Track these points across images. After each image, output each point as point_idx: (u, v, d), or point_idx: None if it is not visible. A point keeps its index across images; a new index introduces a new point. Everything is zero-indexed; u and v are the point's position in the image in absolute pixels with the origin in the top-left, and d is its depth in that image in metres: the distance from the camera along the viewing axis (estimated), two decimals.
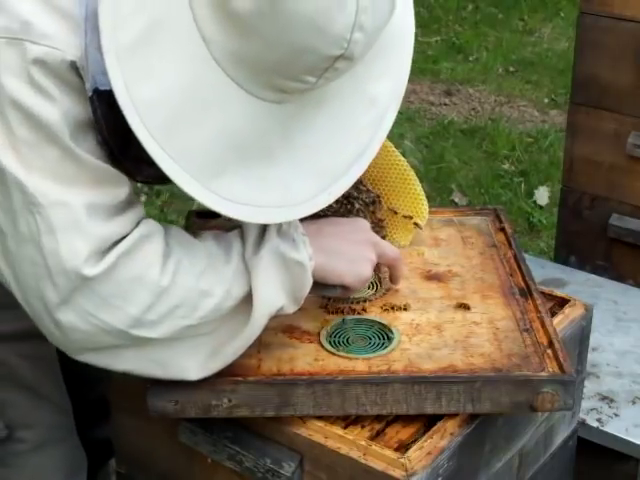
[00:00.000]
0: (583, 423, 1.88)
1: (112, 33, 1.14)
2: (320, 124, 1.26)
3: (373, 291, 1.55)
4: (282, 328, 1.45)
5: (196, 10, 1.14)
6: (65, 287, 1.21)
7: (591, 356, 1.93)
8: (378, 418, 1.35)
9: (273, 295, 1.30)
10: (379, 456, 1.27)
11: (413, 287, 1.56)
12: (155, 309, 1.24)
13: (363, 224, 1.49)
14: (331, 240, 1.40)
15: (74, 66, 1.19)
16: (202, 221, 1.66)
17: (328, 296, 1.49)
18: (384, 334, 1.45)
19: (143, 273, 1.23)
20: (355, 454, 1.29)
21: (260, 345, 1.40)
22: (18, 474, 1.60)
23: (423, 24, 5.38)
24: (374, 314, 1.50)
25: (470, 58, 5.21)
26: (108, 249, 1.22)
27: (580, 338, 1.58)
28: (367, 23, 1.13)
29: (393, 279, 1.54)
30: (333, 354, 1.40)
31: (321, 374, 1.36)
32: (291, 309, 1.35)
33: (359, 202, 1.58)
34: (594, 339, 1.80)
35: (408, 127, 4.27)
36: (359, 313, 1.50)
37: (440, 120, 4.49)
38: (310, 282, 1.34)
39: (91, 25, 1.17)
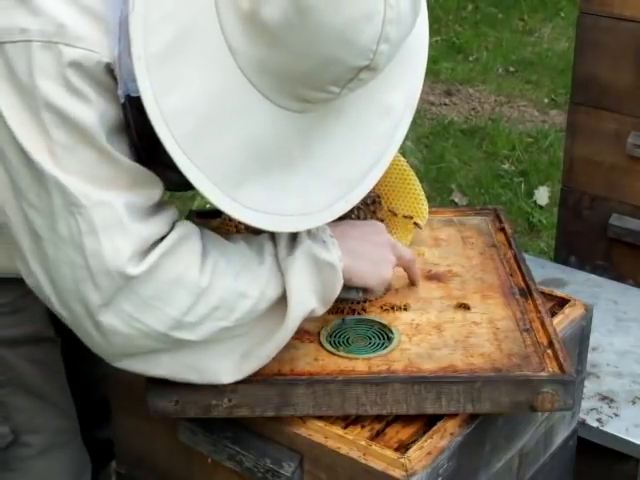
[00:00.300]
0: (583, 423, 1.88)
1: (142, 41, 1.14)
2: (338, 133, 1.28)
3: None
4: None
5: (223, 20, 1.15)
6: (108, 288, 1.21)
7: (591, 356, 1.92)
8: (378, 418, 1.35)
9: (306, 297, 1.31)
10: (379, 456, 1.27)
11: (413, 287, 1.56)
12: (195, 311, 1.24)
13: (381, 226, 1.51)
14: (355, 242, 1.41)
15: (108, 68, 1.19)
16: (202, 221, 1.66)
17: (351, 299, 1.49)
18: (384, 334, 1.45)
19: (183, 274, 1.24)
20: (355, 454, 1.29)
21: None
22: (23, 478, 1.59)
23: None
24: (374, 314, 1.50)
25: (470, 58, 5.21)
26: (148, 250, 1.22)
27: (580, 338, 1.58)
28: (392, 34, 1.14)
29: (412, 280, 1.56)
30: (333, 354, 1.40)
31: (321, 374, 1.36)
32: (321, 311, 1.35)
33: (359, 202, 1.58)
34: (594, 339, 1.80)
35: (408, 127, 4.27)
36: (359, 313, 1.50)
37: (440, 120, 4.49)
38: (340, 284, 1.35)
39: (125, 31, 1.17)
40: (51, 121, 1.17)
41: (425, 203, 1.66)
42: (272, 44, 1.13)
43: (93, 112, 1.18)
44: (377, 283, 1.44)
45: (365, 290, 1.46)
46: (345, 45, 1.12)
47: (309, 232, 1.33)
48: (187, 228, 1.27)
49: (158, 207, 1.26)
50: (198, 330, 1.25)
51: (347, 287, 1.39)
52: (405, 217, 1.65)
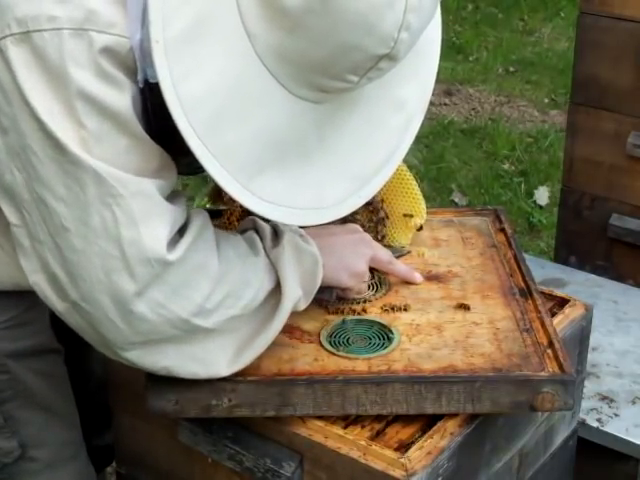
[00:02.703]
0: (583, 423, 1.88)
1: (161, 25, 1.12)
2: (353, 126, 1.27)
3: (373, 291, 1.55)
4: (282, 328, 1.45)
5: (242, 4, 1.13)
6: (145, 276, 1.20)
7: (591, 356, 1.92)
8: (378, 418, 1.35)
9: (295, 285, 1.33)
10: (379, 456, 1.28)
11: (413, 287, 1.56)
12: (213, 297, 1.25)
13: (354, 226, 1.52)
14: (324, 239, 1.41)
15: (135, 54, 1.17)
16: None
17: (325, 299, 1.49)
18: (384, 334, 1.45)
19: (206, 261, 1.25)
20: (355, 454, 1.29)
21: None
22: None
23: None
24: (374, 314, 1.50)
25: (470, 58, 5.21)
26: (176, 236, 1.22)
27: (580, 338, 1.58)
28: (413, 23, 1.13)
29: (405, 279, 1.55)
30: (333, 354, 1.40)
31: (321, 374, 1.36)
32: (304, 303, 1.36)
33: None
34: (594, 339, 1.80)
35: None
36: (359, 313, 1.50)
37: (440, 120, 4.49)
38: (321, 274, 1.36)
39: (148, 17, 1.15)
40: (83, 109, 1.15)
41: (423, 202, 1.66)
42: (291, 29, 1.12)
43: (126, 97, 1.17)
44: (349, 278, 1.44)
45: (342, 290, 1.47)
46: (366, 32, 1.10)
47: (287, 226, 1.35)
48: (203, 215, 1.28)
49: (176, 190, 1.26)
50: (212, 317, 1.26)
51: (320, 287, 1.40)
52: (405, 216, 1.65)
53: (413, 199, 1.65)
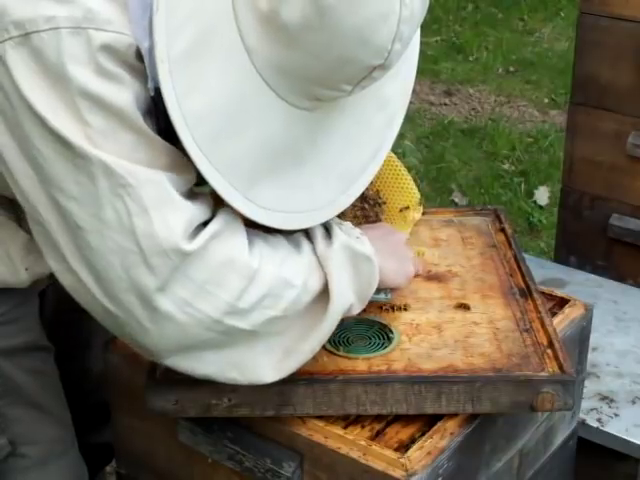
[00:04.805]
0: (583, 423, 1.88)
1: (165, 44, 1.14)
2: (341, 128, 1.29)
3: None
4: None
5: (241, 21, 1.15)
6: (164, 268, 1.18)
7: (591, 356, 1.92)
8: (378, 418, 1.35)
9: (346, 290, 1.31)
10: (379, 456, 1.28)
11: (413, 287, 1.56)
12: (246, 296, 1.23)
13: (389, 227, 1.54)
14: (379, 242, 1.40)
15: (139, 52, 1.17)
16: None
17: (379, 301, 1.48)
18: (384, 334, 1.45)
19: (233, 256, 1.22)
20: (355, 454, 1.29)
21: None
22: None
23: (423, 24, 5.32)
24: (374, 314, 1.50)
25: (470, 58, 5.21)
26: (195, 231, 1.20)
27: (580, 338, 1.58)
28: (406, 33, 1.15)
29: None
30: (333, 354, 1.40)
31: (321, 374, 1.36)
32: (357, 308, 1.35)
33: (365, 204, 1.59)
34: (594, 339, 1.80)
35: (408, 127, 4.27)
36: (359, 313, 1.50)
37: (440, 120, 4.49)
38: (377, 279, 1.35)
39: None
40: (86, 107, 1.15)
41: (418, 193, 1.67)
42: (290, 45, 1.14)
43: (128, 93, 1.17)
44: (404, 281, 1.46)
45: (392, 290, 1.47)
46: (362, 45, 1.13)
47: (342, 228, 1.34)
48: (230, 213, 1.26)
49: (195, 192, 1.24)
50: (249, 318, 1.24)
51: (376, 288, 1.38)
52: (402, 210, 1.65)
53: (409, 193, 1.65)
